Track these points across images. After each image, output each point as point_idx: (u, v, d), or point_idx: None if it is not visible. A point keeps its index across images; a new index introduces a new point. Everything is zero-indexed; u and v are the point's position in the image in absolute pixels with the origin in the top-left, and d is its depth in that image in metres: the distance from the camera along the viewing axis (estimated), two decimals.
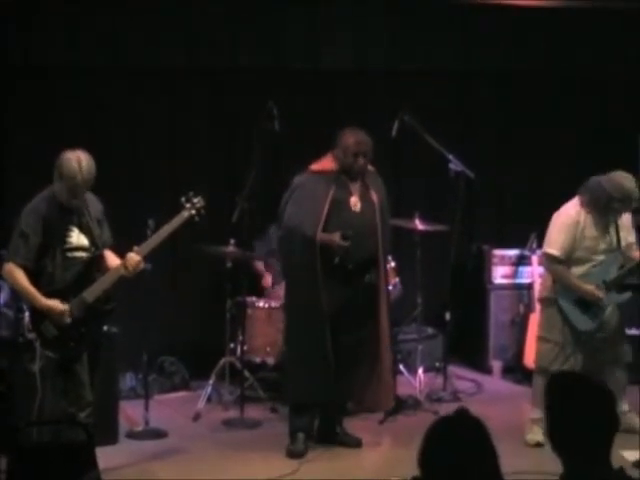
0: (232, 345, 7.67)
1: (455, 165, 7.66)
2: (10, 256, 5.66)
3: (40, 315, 5.62)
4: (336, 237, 6.33)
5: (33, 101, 7.79)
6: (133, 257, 5.74)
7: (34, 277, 5.61)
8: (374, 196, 6.59)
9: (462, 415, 2.81)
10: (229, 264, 7.51)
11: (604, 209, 6.55)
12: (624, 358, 6.72)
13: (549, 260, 6.69)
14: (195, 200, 6.00)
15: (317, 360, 6.41)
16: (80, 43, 7.74)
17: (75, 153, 5.58)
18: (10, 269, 5.63)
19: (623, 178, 6.52)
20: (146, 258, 5.81)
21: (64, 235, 5.65)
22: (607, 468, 2.92)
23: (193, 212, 5.97)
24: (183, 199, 6.00)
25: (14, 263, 5.62)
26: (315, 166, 6.59)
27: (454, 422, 2.80)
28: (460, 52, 8.81)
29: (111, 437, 6.63)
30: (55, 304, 5.58)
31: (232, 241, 7.40)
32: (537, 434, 6.63)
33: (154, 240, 5.86)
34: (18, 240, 5.61)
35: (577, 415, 2.95)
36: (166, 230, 5.87)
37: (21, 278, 5.60)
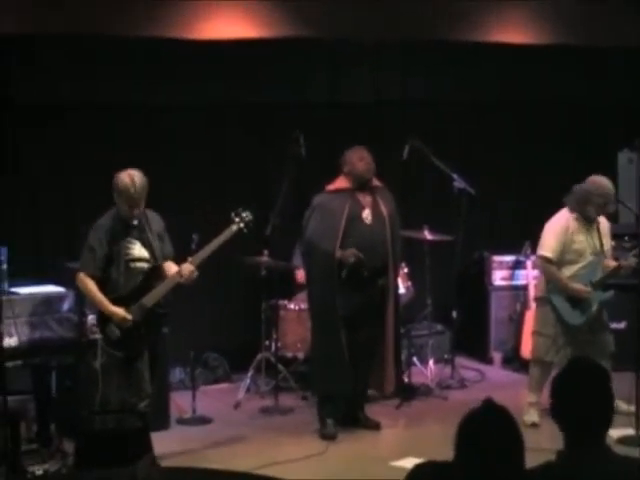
0: (267, 342, 7.69)
1: (458, 183, 7.68)
2: (81, 267, 5.73)
3: (106, 319, 5.66)
4: (352, 252, 6.35)
5: (97, 128, 7.72)
6: (187, 267, 5.71)
7: (101, 284, 5.66)
8: (384, 209, 6.61)
9: (491, 405, 2.79)
10: (263, 272, 7.51)
11: (584, 205, 6.55)
12: (608, 349, 6.70)
13: (543, 261, 6.70)
14: (244, 214, 5.90)
15: (335, 358, 6.45)
16: (142, 81, 7.74)
17: (127, 171, 5.61)
18: (82, 279, 5.70)
19: (600, 178, 6.60)
20: (199, 267, 5.74)
21: (127, 247, 5.67)
22: (602, 447, 2.91)
23: (242, 225, 5.87)
24: (233, 214, 5.90)
25: (85, 273, 5.69)
26: (331, 186, 6.64)
27: (487, 411, 2.78)
28: (461, 85, 8.75)
29: (163, 423, 6.68)
30: (119, 311, 5.61)
31: (265, 252, 7.37)
32: (533, 416, 6.63)
33: (206, 251, 5.78)
34: (87, 254, 5.67)
35: (583, 398, 2.92)
36: (217, 242, 5.79)
37: (92, 286, 5.66)
